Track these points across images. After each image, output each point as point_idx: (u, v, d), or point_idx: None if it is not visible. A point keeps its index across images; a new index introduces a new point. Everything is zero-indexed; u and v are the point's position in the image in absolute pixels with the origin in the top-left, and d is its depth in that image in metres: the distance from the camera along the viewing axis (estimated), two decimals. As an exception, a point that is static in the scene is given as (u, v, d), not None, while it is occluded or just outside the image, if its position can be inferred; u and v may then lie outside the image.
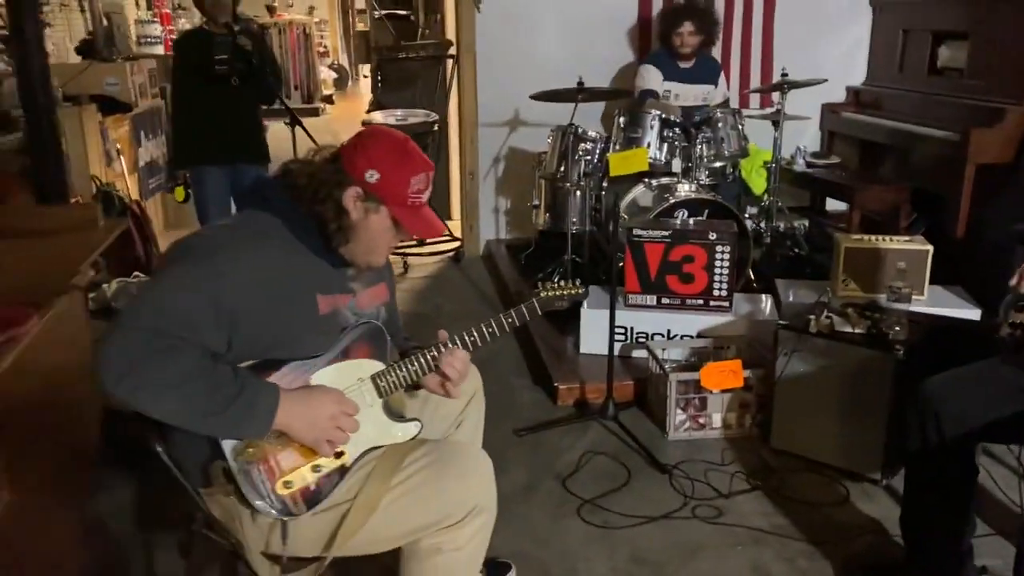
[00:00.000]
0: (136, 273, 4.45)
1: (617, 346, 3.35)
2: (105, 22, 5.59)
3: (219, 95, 3.85)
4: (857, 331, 2.72)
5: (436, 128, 5.28)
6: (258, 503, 1.64)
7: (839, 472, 2.79)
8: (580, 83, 4.04)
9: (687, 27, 4.45)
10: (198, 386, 1.51)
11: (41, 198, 3.07)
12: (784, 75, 4.25)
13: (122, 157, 5.20)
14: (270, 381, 1.62)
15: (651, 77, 4.58)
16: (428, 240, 5.46)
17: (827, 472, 2.80)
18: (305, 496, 1.68)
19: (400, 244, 1.85)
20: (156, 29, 11.92)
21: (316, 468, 1.69)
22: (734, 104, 5.01)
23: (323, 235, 1.71)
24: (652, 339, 3.44)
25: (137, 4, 11.59)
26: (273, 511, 1.66)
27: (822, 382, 2.76)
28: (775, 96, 4.28)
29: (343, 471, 1.73)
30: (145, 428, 1.61)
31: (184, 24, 13.35)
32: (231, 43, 3.65)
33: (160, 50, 11.12)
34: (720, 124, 4.13)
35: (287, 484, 1.67)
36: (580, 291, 2.06)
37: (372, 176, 1.68)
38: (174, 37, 12.40)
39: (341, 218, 1.69)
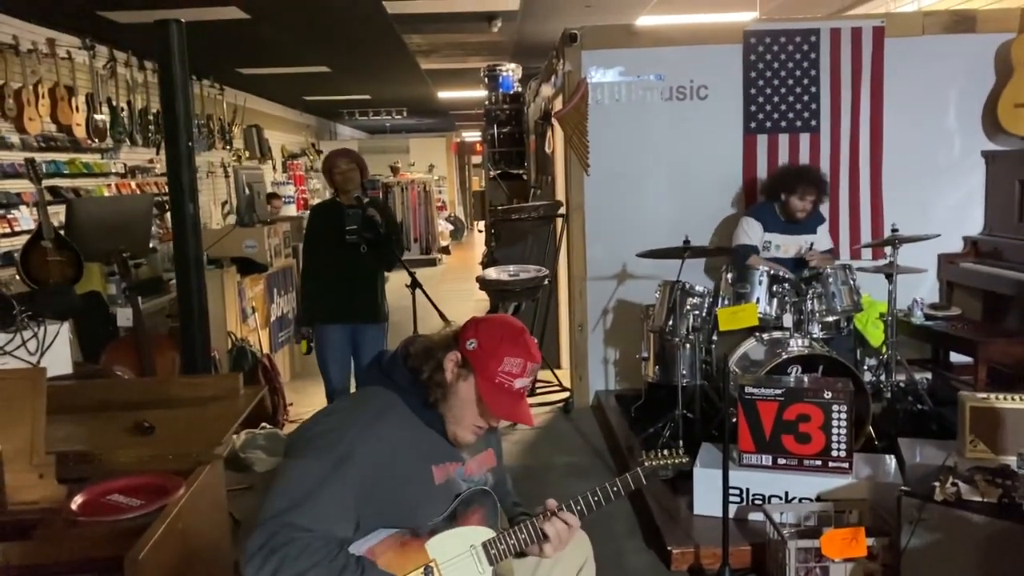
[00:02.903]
0: (263, 424, 4.70)
1: (732, 508, 3.27)
2: (247, 191, 6.15)
3: (346, 260, 4.11)
4: (987, 500, 2.58)
5: (547, 282, 5.47)
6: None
7: (980, 655, 2.59)
8: (686, 241, 4.15)
9: (809, 197, 4.49)
10: (322, 574, 1.61)
11: (186, 359, 3.35)
12: (895, 230, 4.24)
13: (256, 314, 5.60)
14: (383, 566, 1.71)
15: (753, 231, 4.64)
16: (539, 390, 5.57)
17: (966, 654, 2.60)
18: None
19: (486, 427, 1.90)
20: (290, 190, 13.01)
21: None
22: (845, 258, 4.99)
23: (424, 390, 1.83)
24: (769, 501, 3.35)
25: (274, 167, 12.75)
26: None
27: (952, 553, 2.61)
28: (887, 248, 4.26)
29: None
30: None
31: (316, 184, 14.52)
32: (361, 215, 3.96)
33: (294, 209, 12.08)
34: (831, 280, 4.13)
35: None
36: (684, 460, 2.12)
37: (471, 344, 1.83)
38: (306, 197, 13.49)
39: (436, 374, 1.82)
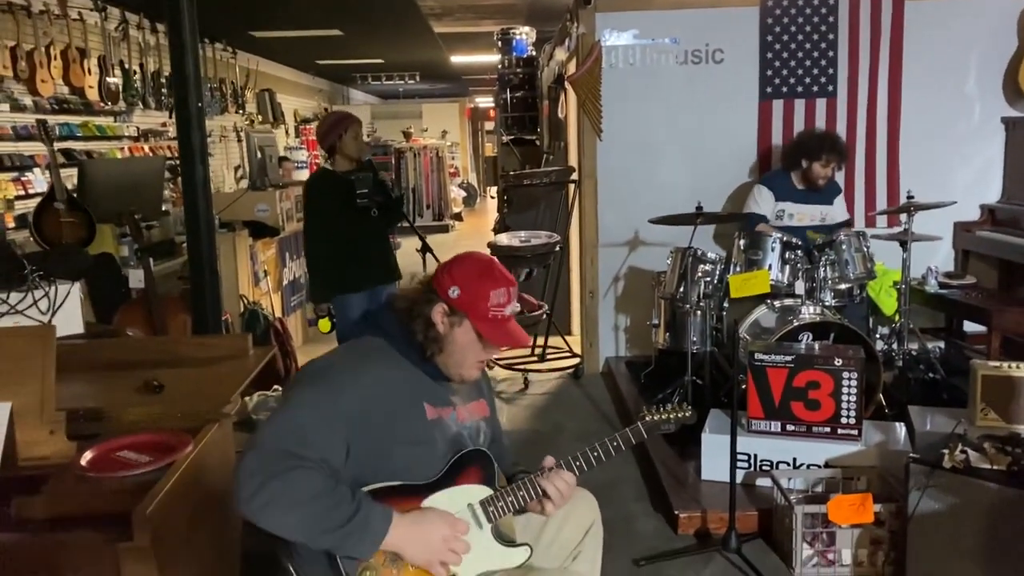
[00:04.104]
0: (276, 387, 4.73)
1: (740, 473, 3.29)
2: (259, 155, 6.14)
3: (356, 226, 4.04)
4: (996, 467, 2.57)
5: (558, 248, 5.46)
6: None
7: (985, 621, 2.59)
8: (699, 207, 4.11)
9: (832, 164, 4.44)
10: (319, 504, 1.62)
11: (197, 320, 3.37)
12: (910, 197, 4.19)
13: (268, 278, 5.62)
14: (385, 505, 1.72)
15: (763, 200, 4.61)
16: (549, 356, 5.58)
17: (971, 620, 2.61)
18: (420, 619, 1.73)
19: (492, 357, 1.96)
20: (302, 155, 12.97)
21: (430, 591, 1.75)
22: (860, 226, 4.94)
23: (419, 348, 1.87)
24: (777, 467, 3.35)
25: (287, 132, 12.70)
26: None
27: (959, 521, 2.60)
28: (903, 216, 4.21)
29: (457, 595, 1.78)
30: (276, 543, 1.73)
31: (328, 150, 14.43)
32: (372, 179, 3.92)
33: (306, 173, 12.05)
34: (844, 247, 4.09)
35: (403, 606, 1.72)
36: (687, 414, 2.12)
37: (454, 292, 1.85)
38: (319, 162, 13.44)
39: (429, 330, 1.86)
